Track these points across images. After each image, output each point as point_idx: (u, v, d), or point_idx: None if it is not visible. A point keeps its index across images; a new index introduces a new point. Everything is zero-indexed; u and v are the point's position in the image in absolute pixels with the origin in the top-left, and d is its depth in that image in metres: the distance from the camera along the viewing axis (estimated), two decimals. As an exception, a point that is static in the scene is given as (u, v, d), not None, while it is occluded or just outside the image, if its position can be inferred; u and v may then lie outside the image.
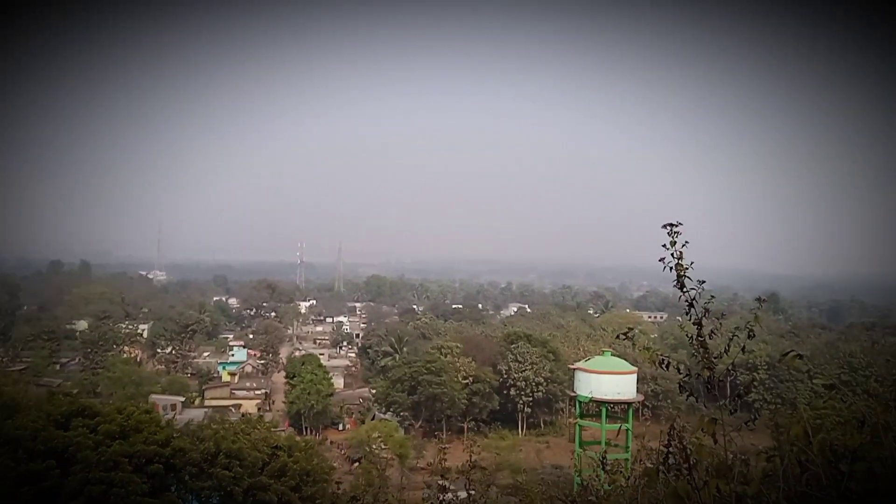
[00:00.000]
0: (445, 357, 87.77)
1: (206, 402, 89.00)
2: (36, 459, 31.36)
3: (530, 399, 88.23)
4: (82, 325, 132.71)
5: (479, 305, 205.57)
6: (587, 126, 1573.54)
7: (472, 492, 9.88)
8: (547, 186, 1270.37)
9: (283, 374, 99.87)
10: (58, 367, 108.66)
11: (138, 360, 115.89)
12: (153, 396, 78.24)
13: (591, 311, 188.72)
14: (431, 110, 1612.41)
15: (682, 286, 5.15)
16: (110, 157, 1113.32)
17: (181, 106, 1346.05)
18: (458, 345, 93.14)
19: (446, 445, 10.39)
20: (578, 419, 58.42)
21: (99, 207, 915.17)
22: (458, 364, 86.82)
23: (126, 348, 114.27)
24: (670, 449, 5.20)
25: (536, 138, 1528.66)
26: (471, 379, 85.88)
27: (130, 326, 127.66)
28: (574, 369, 61.97)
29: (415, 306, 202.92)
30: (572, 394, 61.54)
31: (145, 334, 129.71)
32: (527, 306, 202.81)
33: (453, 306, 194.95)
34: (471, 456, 9.32)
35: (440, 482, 8.61)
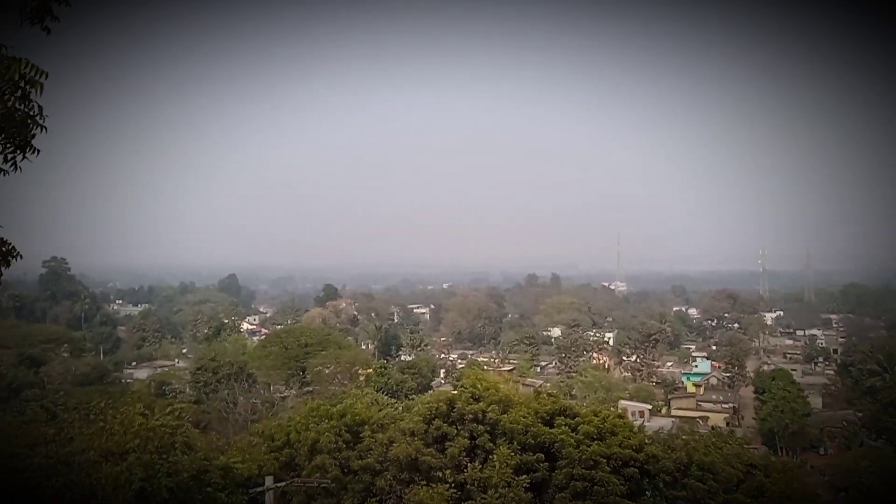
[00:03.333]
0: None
1: (672, 412, 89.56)
2: (527, 451, 35.61)
3: None
4: (556, 332, 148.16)
5: None
6: None
7: None
8: None
9: (750, 388, 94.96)
10: (538, 369, 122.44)
11: (606, 366, 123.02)
12: (622, 402, 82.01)
13: None
14: None
15: None
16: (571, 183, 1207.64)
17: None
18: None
19: None
20: None
21: (565, 226, 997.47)
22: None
23: (595, 355, 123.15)
24: None
25: None
26: None
27: (597, 334, 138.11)
28: None
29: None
30: None
31: (611, 342, 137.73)
32: None
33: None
34: None
35: None
